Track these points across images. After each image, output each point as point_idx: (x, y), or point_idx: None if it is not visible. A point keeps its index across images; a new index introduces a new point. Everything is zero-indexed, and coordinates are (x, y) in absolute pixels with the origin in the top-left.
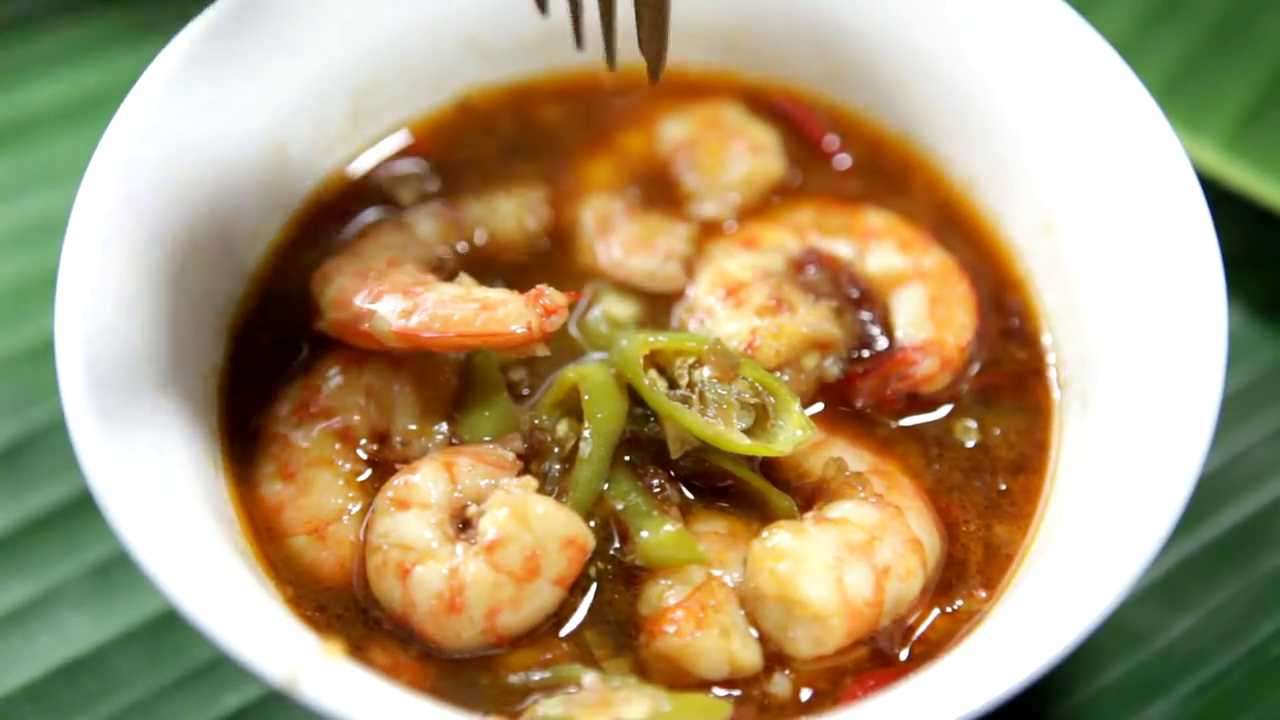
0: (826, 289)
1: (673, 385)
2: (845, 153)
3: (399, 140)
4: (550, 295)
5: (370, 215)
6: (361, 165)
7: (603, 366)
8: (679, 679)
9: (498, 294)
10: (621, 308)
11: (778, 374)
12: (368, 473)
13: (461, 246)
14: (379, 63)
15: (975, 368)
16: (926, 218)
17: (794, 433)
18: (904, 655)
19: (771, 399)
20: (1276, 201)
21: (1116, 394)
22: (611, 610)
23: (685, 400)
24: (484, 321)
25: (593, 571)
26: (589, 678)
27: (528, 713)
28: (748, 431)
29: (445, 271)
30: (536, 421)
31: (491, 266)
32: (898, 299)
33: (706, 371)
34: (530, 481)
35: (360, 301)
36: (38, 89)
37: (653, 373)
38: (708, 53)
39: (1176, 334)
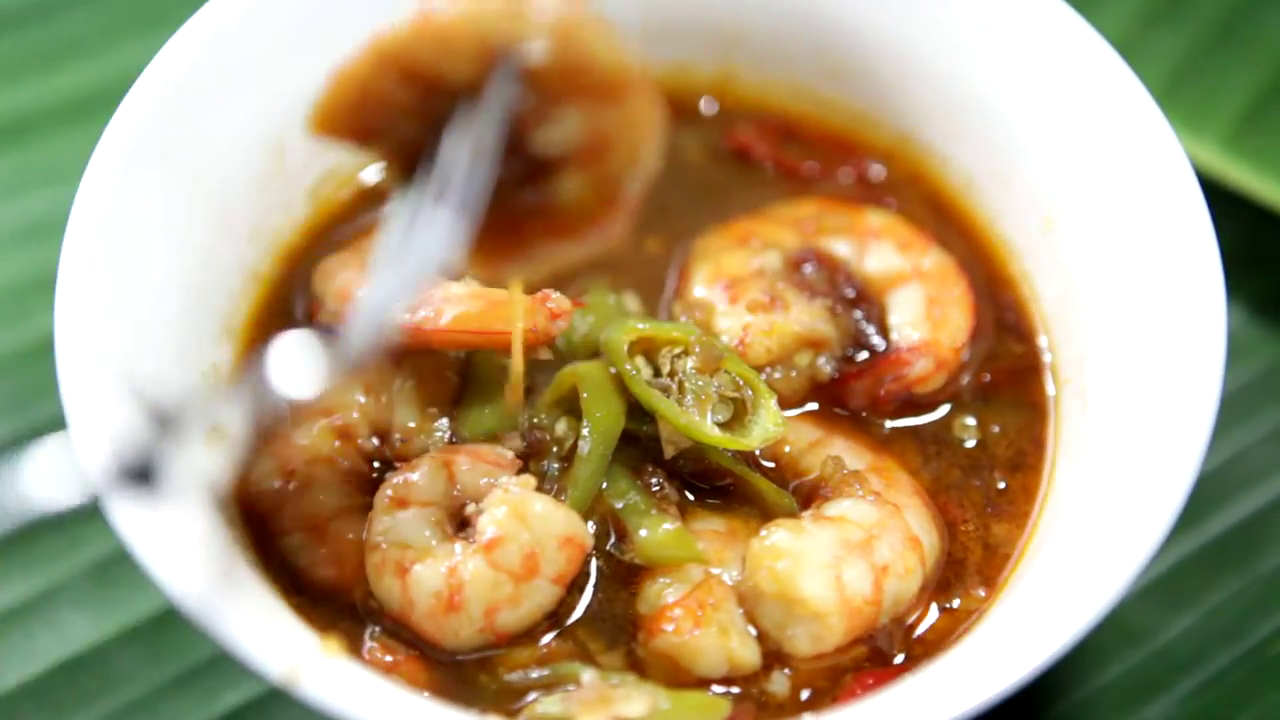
0: (823, 287)
1: (657, 374)
2: (843, 153)
3: None
4: (556, 299)
5: (371, 213)
6: (361, 163)
7: (602, 365)
8: (678, 677)
9: (503, 293)
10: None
11: (768, 371)
12: (367, 470)
13: None
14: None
15: (971, 369)
16: (925, 217)
17: (767, 428)
18: (902, 654)
19: (750, 394)
20: (1276, 201)
21: (1115, 393)
22: (610, 608)
23: (665, 389)
24: (490, 320)
25: (591, 570)
26: (588, 675)
27: (526, 711)
28: (724, 425)
29: (447, 272)
30: (535, 420)
31: None
32: (895, 299)
33: (690, 362)
34: (529, 480)
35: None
36: (37, 87)
37: (639, 359)
38: (708, 53)
39: (1175, 333)
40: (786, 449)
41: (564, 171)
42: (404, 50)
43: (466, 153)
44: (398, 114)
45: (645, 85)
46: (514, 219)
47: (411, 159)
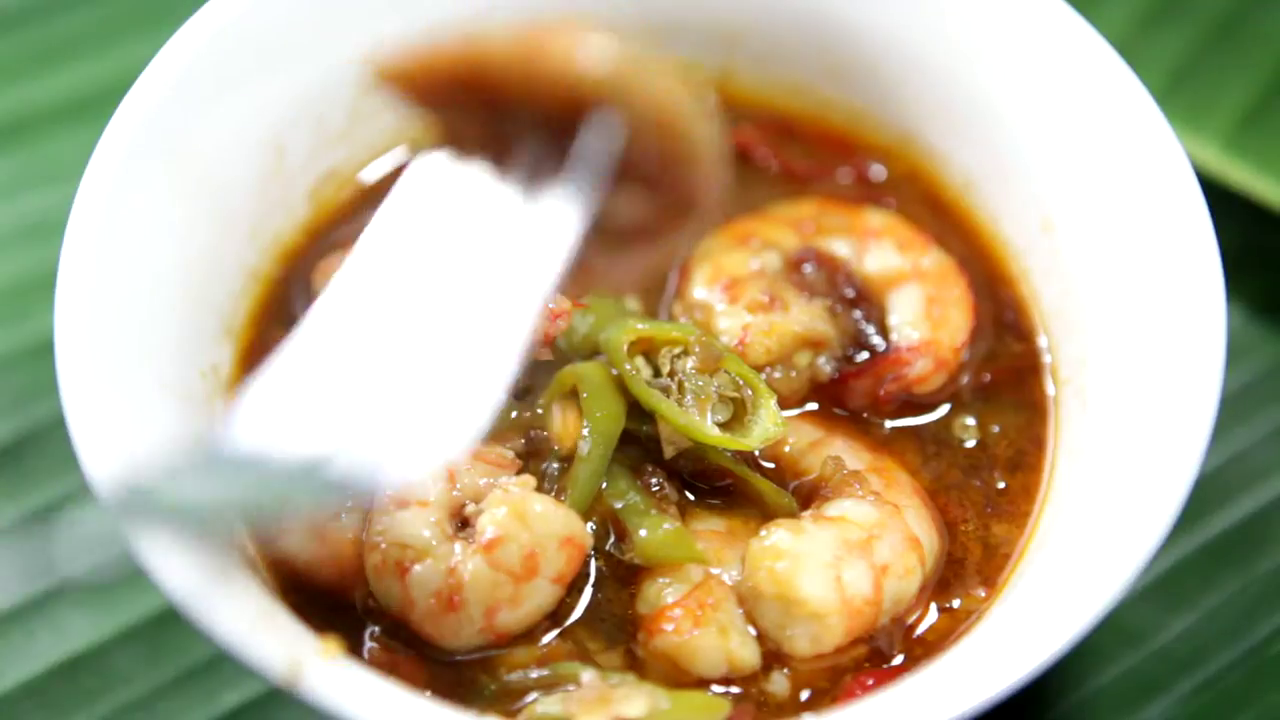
0: (822, 287)
1: (656, 374)
2: (843, 152)
3: (398, 139)
4: (555, 300)
5: (370, 213)
6: (361, 163)
7: (602, 366)
8: (677, 677)
9: None
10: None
11: (768, 371)
12: None
13: None
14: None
15: (971, 369)
16: (925, 217)
17: (767, 428)
18: (902, 654)
19: (750, 394)
20: (1276, 201)
21: (1115, 393)
22: (609, 609)
23: (665, 389)
24: None
25: (591, 570)
26: (587, 675)
27: (526, 711)
28: (724, 425)
29: None
30: (532, 419)
31: None
32: (894, 299)
33: (690, 362)
34: (529, 480)
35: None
36: (37, 87)
37: (639, 360)
38: (709, 52)
39: (1175, 333)
40: (786, 449)
41: (616, 236)
42: (496, 59)
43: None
44: (462, 102)
45: (722, 179)
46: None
47: (460, 141)
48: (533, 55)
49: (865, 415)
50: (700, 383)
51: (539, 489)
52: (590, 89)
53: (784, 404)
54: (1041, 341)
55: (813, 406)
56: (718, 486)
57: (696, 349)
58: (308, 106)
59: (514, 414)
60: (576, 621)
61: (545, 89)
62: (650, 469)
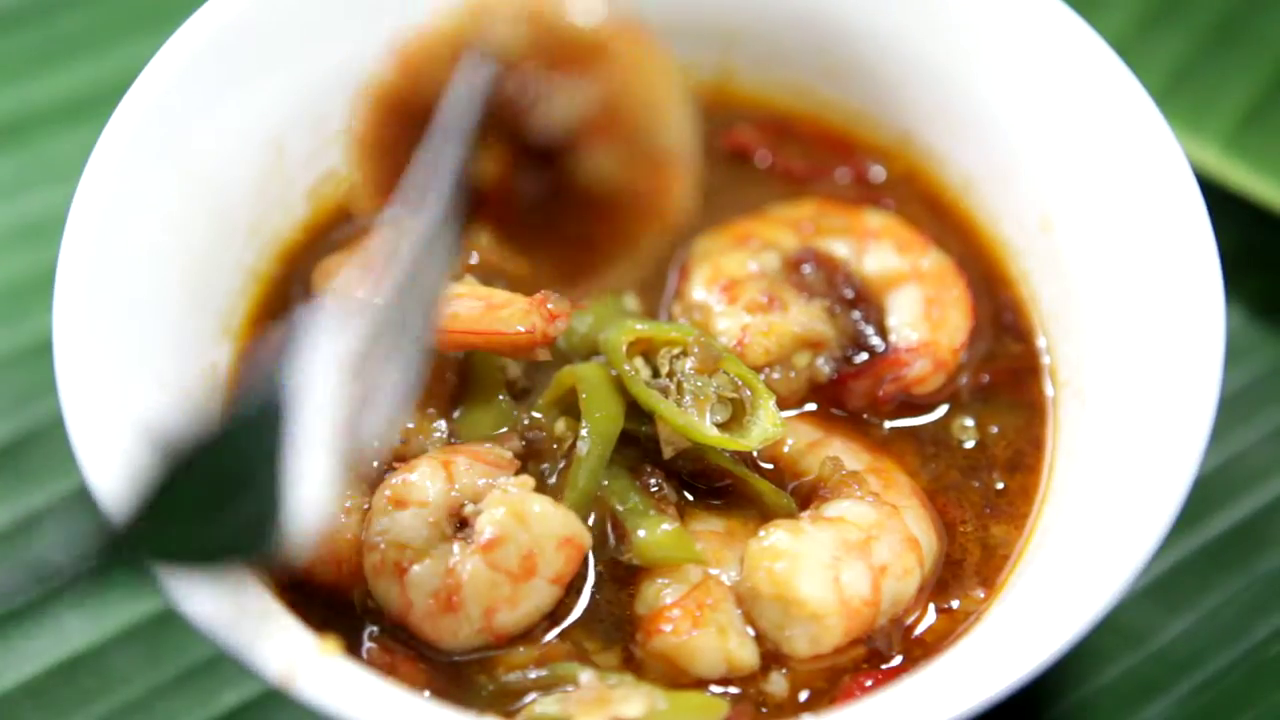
0: (821, 288)
1: (655, 374)
2: (842, 153)
3: None
4: (555, 300)
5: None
6: None
7: (601, 366)
8: (676, 677)
9: (502, 295)
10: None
11: (766, 372)
12: (365, 470)
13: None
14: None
15: (970, 370)
16: (924, 218)
17: (766, 429)
18: (901, 655)
19: (749, 394)
20: (1276, 201)
21: (1114, 393)
22: (608, 609)
23: (664, 390)
24: (488, 321)
25: (589, 570)
26: (585, 676)
27: (525, 711)
28: (723, 426)
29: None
30: (530, 419)
31: (493, 273)
32: (893, 300)
33: (689, 363)
34: (528, 480)
35: (364, 294)
36: (37, 87)
37: (638, 360)
38: (707, 52)
39: (1174, 334)
40: (785, 450)
41: (586, 151)
42: (395, 90)
43: (447, 154)
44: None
45: (632, 33)
46: (572, 229)
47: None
48: (410, 56)
49: (864, 416)
50: (699, 383)
51: (538, 489)
52: (469, 38)
53: (783, 405)
54: (1040, 342)
55: (811, 407)
56: (717, 487)
57: (695, 350)
58: (308, 106)
59: (513, 414)
60: (575, 622)
61: (443, 70)
62: (649, 469)
